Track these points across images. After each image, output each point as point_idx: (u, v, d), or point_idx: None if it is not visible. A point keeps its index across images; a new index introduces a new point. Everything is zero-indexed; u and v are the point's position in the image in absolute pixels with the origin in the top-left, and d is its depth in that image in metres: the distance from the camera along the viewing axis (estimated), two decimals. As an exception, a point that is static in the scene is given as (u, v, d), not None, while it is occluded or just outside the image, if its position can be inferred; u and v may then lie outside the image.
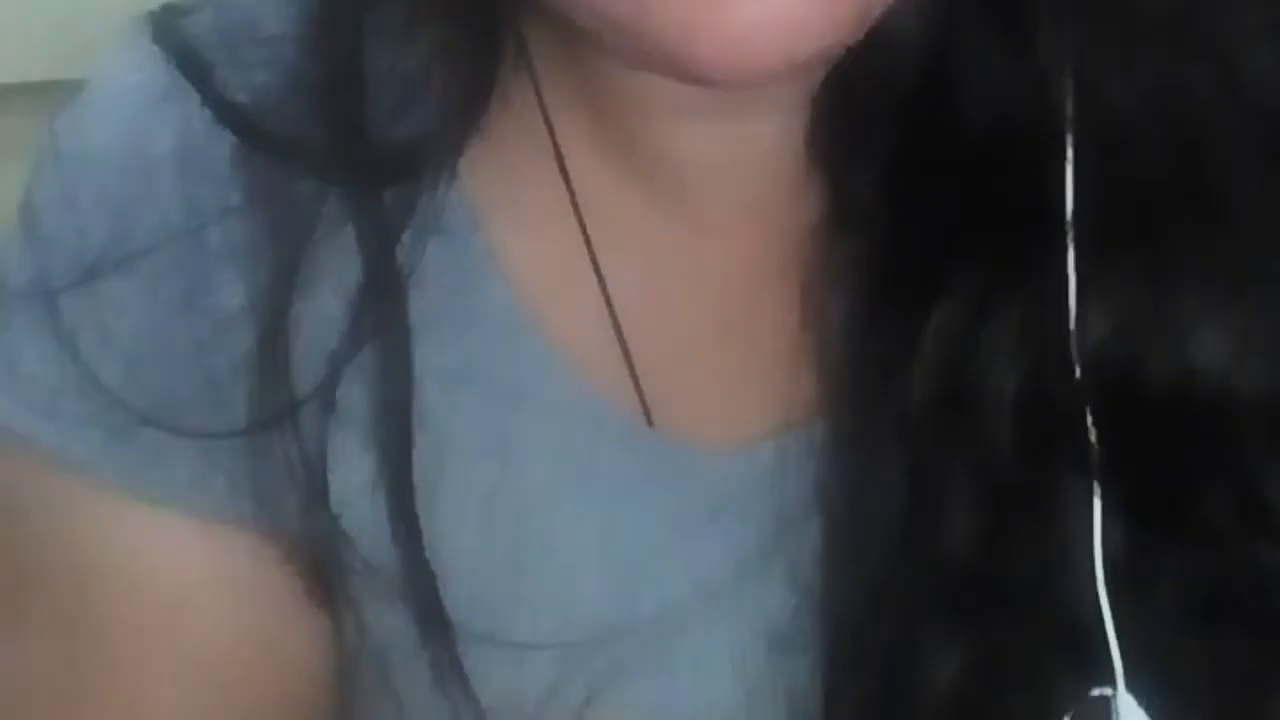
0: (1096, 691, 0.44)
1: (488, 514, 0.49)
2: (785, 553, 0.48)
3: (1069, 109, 0.45)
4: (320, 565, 0.48)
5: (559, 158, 0.49)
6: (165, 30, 0.49)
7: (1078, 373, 0.45)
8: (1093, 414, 0.45)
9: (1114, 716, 0.44)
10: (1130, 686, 0.44)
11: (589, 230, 0.49)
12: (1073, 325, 0.45)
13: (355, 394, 0.47)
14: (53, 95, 0.50)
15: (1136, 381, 0.46)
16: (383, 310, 0.47)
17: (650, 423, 0.49)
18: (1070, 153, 0.45)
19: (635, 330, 0.49)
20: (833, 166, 0.49)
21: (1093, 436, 0.45)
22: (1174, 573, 0.46)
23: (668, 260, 0.50)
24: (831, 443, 0.48)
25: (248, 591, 0.48)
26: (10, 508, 0.48)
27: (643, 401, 0.49)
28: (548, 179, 0.50)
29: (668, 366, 0.49)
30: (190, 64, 0.48)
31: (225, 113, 0.47)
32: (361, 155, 0.47)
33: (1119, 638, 0.44)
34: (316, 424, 0.47)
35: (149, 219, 0.47)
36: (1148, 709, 0.44)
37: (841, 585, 0.48)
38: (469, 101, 0.47)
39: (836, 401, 0.48)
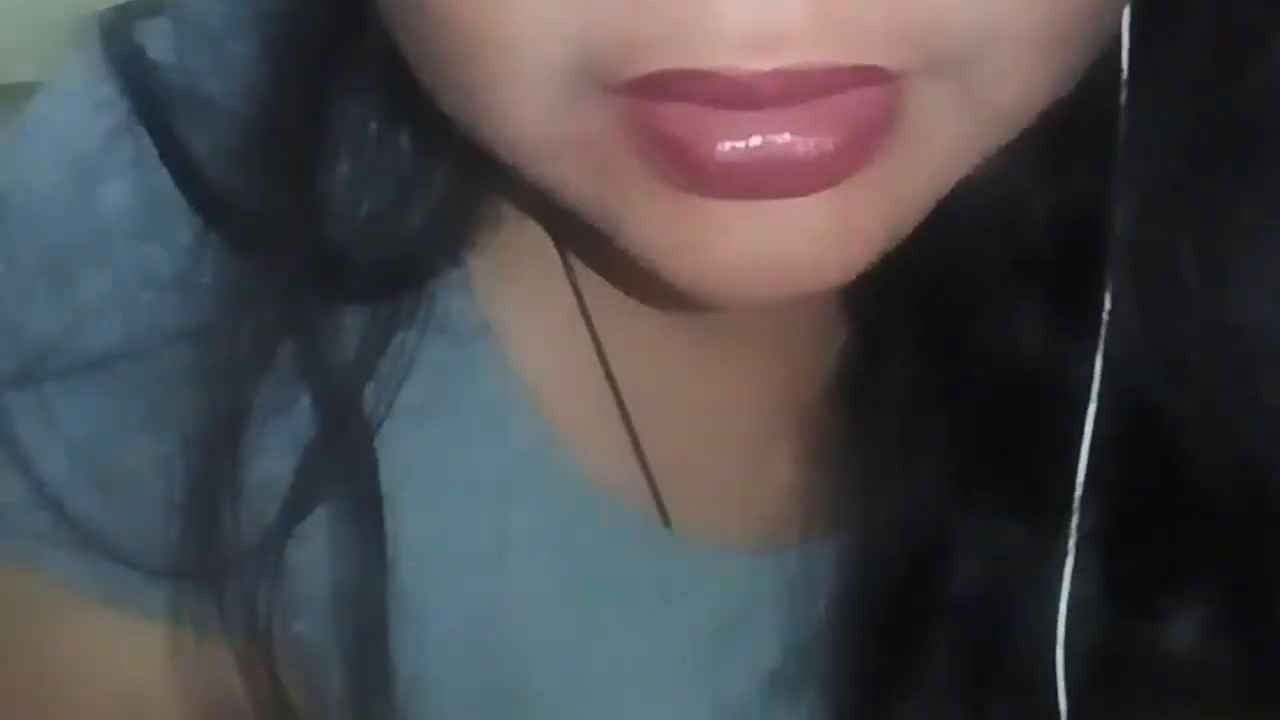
0: None
1: (482, 631, 0.45)
2: (809, 673, 0.46)
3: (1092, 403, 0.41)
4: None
5: (567, 266, 0.45)
6: (118, 46, 0.42)
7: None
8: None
9: None
10: None
11: (600, 332, 0.45)
12: (1063, 604, 0.42)
13: (310, 554, 0.42)
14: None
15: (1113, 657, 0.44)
16: (340, 470, 0.42)
17: (667, 523, 0.46)
18: (1086, 446, 0.41)
19: (645, 430, 0.46)
20: (855, 302, 0.45)
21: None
22: None
23: (677, 365, 0.46)
24: (839, 560, 0.46)
25: (209, 695, 0.44)
26: None
27: (658, 501, 0.46)
28: (558, 281, 0.45)
29: (679, 467, 0.46)
30: (147, 101, 0.41)
31: (182, 177, 0.41)
32: (330, 267, 0.41)
33: None
34: (264, 580, 0.42)
35: (100, 291, 0.41)
36: None
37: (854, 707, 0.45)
38: (455, 217, 0.43)
39: (846, 517, 0.46)
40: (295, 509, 0.42)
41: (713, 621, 0.46)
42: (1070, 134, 0.39)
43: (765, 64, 0.30)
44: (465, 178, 0.42)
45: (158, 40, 0.43)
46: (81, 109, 0.43)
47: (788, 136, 0.31)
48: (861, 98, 0.31)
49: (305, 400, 0.42)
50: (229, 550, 0.41)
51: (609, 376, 0.45)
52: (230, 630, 0.43)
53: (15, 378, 0.41)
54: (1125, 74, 0.39)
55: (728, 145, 0.31)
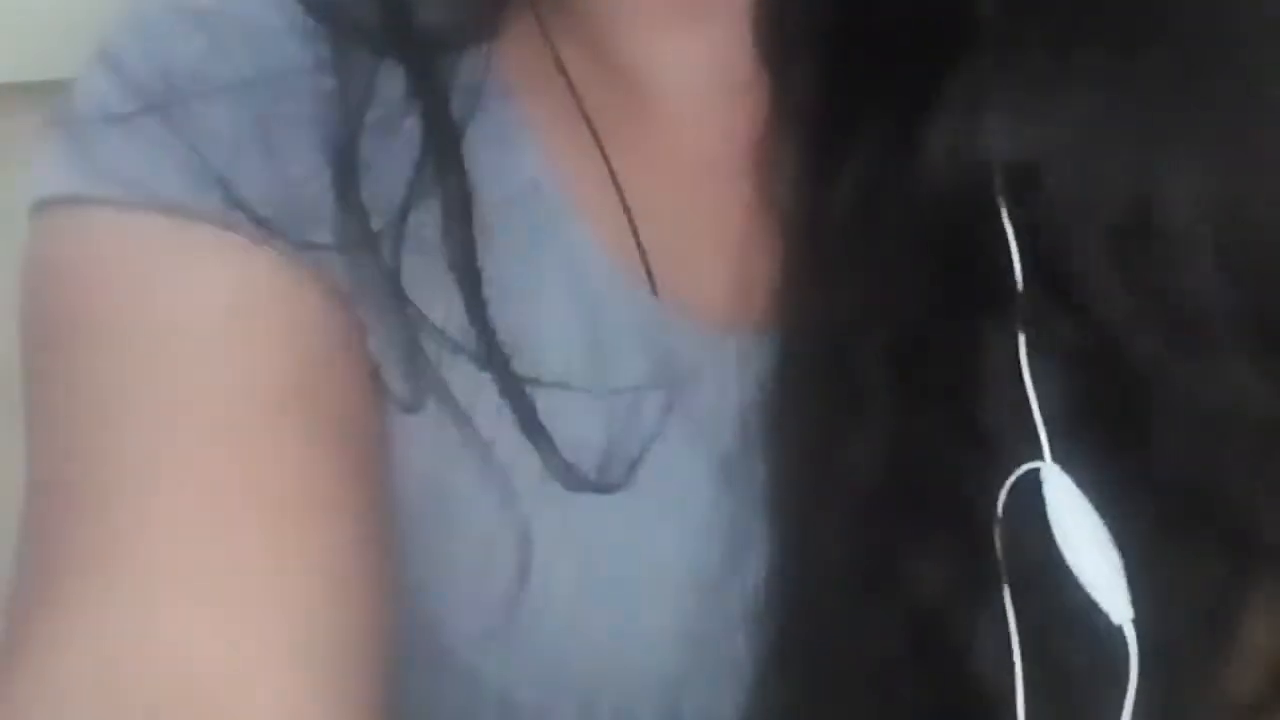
0: (1025, 466, 0.44)
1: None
2: (754, 420, 0.50)
3: None
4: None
5: (557, 61, 0.54)
6: None
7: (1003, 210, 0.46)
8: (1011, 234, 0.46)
9: (1043, 487, 0.44)
10: (1058, 458, 0.45)
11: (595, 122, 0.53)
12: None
13: (425, 221, 0.50)
14: (53, 95, 0.50)
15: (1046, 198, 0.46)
16: (443, 156, 0.50)
17: (653, 288, 0.52)
18: None
19: (635, 205, 0.53)
20: (777, 65, 0.51)
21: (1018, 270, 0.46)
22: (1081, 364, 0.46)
23: (645, 156, 0.53)
24: (790, 329, 0.50)
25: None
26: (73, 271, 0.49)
27: (647, 268, 0.52)
28: (553, 77, 0.54)
29: (664, 251, 0.52)
30: None
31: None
32: (408, 32, 0.51)
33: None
34: (393, 249, 0.50)
35: (224, 67, 0.50)
36: (1076, 481, 0.44)
37: (785, 420, 0.50)
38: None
39: (791, 291, 0.50)
40: (406, 201, 0.50)
41: (679, 368, 0.52)
42: None
43: None
44: None
45: None
46: None
47: None
48: None
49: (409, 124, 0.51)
50: (359, 230, 0.50)
51: (609, 168, 0.53)
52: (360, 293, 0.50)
53: (168, 101, 0.49)
54: None
55: None
